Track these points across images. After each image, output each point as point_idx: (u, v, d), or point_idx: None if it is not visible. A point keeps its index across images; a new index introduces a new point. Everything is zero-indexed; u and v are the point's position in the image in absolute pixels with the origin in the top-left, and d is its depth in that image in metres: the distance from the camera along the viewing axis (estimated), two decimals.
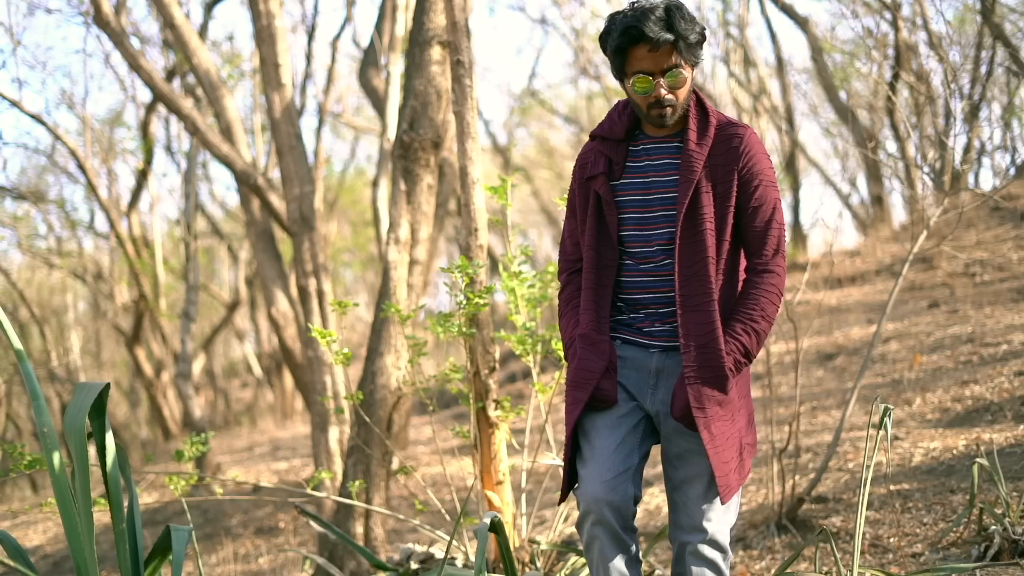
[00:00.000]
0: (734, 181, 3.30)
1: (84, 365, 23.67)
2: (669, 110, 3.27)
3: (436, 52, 6.86)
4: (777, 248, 3.37)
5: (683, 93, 3.27)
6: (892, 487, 6.48)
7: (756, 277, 3.36)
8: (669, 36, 3.15)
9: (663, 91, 3.22)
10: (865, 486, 3.54)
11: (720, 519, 3.34)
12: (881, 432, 3.59)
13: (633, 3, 3.25)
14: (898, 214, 20.69)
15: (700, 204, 3.28)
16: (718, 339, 3.26)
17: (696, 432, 3.28)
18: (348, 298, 31.78)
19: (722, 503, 3.30)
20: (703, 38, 3.26)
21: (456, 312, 5.14)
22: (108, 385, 3.33)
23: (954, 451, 6.85)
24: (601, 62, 26.20)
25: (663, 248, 3.36)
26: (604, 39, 3.29)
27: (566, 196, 4.40)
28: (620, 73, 3.29)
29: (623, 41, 3.18)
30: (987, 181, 19.04)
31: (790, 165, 22.23)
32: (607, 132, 3.46)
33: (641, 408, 3.41)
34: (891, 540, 5.62)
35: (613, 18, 3.26)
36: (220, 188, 23.35)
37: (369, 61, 11.27)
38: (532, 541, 5.61)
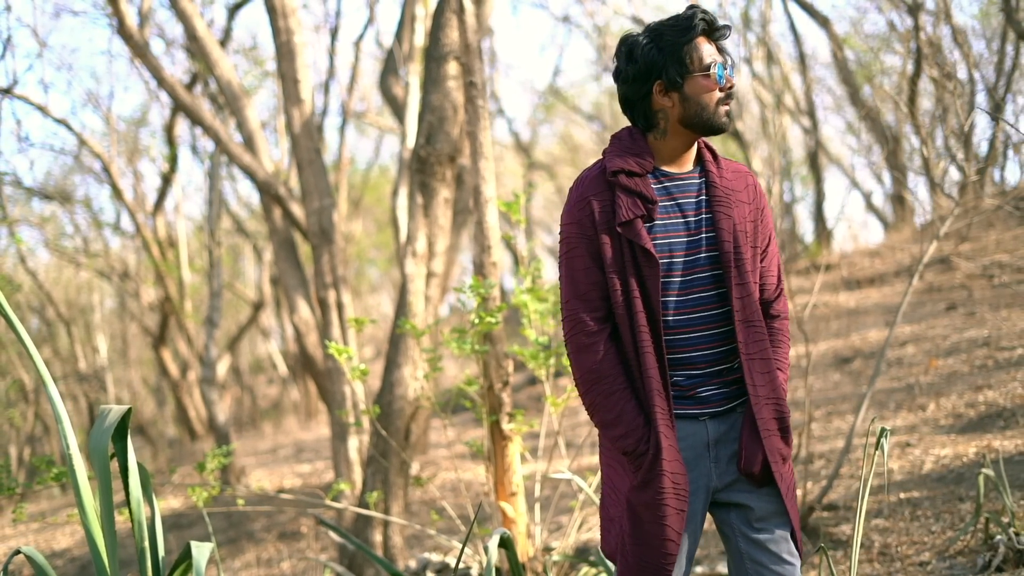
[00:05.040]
0: (759, 221, 3.15)
1: (111, 361, 23.89)
2: (731, 107, 3.09)
3: (452, 67, 6.97)
4: (783, 291, 3.28)
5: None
6: (902, 495, 6.56)
7: (777, 323, 3.22)
8: (729, 26, 3.08)
9: (733, 79, 3.05)
10: (863, 500, 3.61)
11: None
12: (878, 452, 3.65)
13: (631, 33, 3.13)
14: (921, 212, 20.64)
15: (740, 243, 3.07)
16: (780, 387, 3.09)
17: (769, 491, 3.07)
18: (373, 294, 31.86)
19: (801, 561, 3.10)
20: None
21: (469, 329, 5.26)
22: (130, 409, 3.46)
23: (964, 459, 6.92)
24: None
25: (704, 295, 3.08)
26: (649, 49, 3.04)
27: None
28: (686, 72, 3.02)
29: (699, 24, 3.01)
30: (1013, 174, 18.91)
31: (813, 163, 22.24)
32: (634, 166, 3.06)
33: (698, 492, 3.08)
34: (899, 548, 5.71)
35: (643, 34, 3.08)
36: (245, 187, 23.57)
37: (389, 69, 11.38)
38: (547, 549, 5.72)
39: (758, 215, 3.16)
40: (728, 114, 3.06)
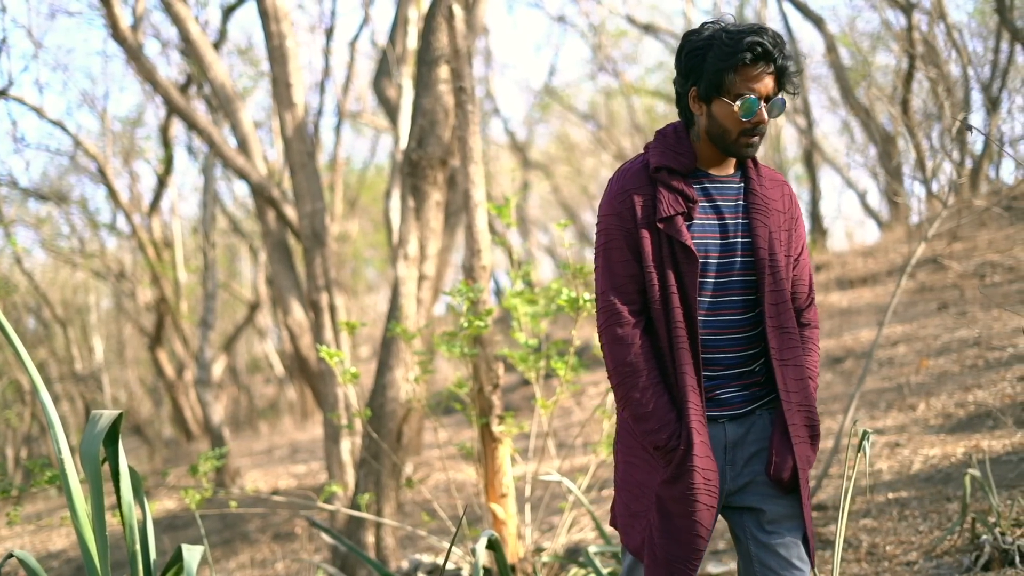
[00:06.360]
0: (793, 230, 3.14)
1: (107, 362, 23.92)
2: (757, 140, 3.02)
3: (443, 71, 7.00)
4: (813, 300, 3.27)
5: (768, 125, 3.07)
6: (891, 495, 6.61)
7: (808, 332, 3.21)
8: (787, 63, 2.96)
9: (765, 116, 2.98)
10: (845, 501, 3.66)
11: None
12: (860, 454, 3.69)
13: (714, 22, 3.02)
14: (915, 211, 20.67)
15: (776, 251, 3.07)
16: (811, 395, 3.10)
17: (789, 496, 3.08)
18: (370, 294, 31.91)
19: (811, 566, 3.09)
20: (800, 70, 3.08)
21: (459, 332, 5.31)
22: (121, 415, 3.50)
23: (952, 459, 6.97)
24: (621, 58, 26.29)
25: (737, 299, 3.08)
26: (697, 55, 3.00)
27: (565, 224, 4.40)
28: (716, 92, 2.98)
29: (742, 57, 2.91)
30: (1008, 172, 18.91)
31: (808, 162, 22.27)
32: (676, 164, 3.05)
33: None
34: (887, 548, 5.76)
35: (704, 35, 3.00)
36: (241, 187, 23.52)
37: (383, 71, 11.41)
38: (538, 550, 5.77)
39: (792, 224, 3.15)
40: (750, 145, 3.01)
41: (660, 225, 2.99)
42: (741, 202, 3.09)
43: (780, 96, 3.00)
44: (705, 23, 3.03)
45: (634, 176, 3.06)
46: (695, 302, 2.98)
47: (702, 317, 3.03)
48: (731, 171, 3.12)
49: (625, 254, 3.03)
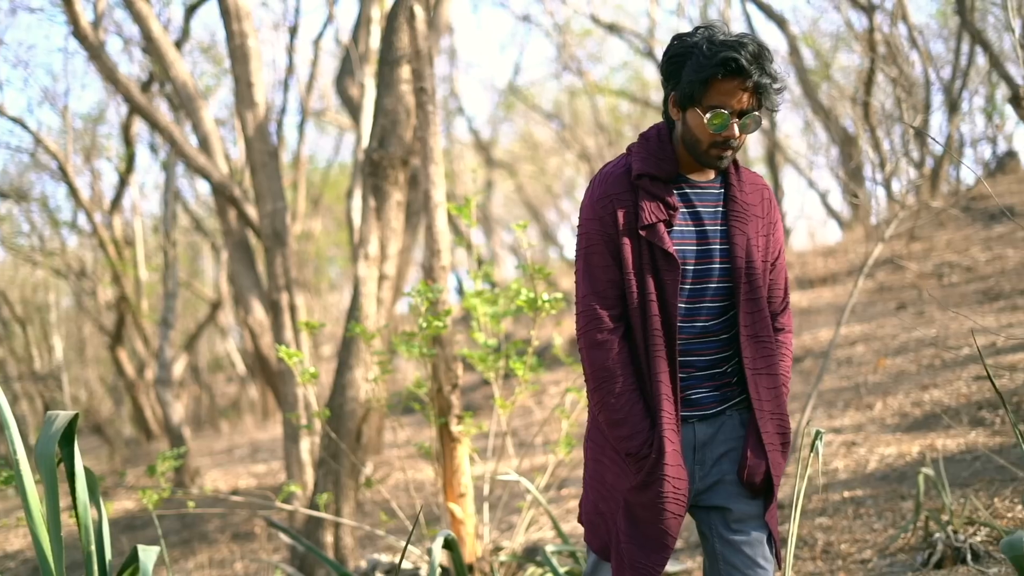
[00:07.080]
0: (771, 235, 3.14)
1: (68, 361, 23.74)
2: (730, 153, 2.99)
3: (405, 71, 7.01)
4: (788, 304, 3.28)
5: (746, 139, 3.03)
6: (846, 493, 6.68)
7: (782, 336, 3.22)
8: (765, 80, 2.91)
9: (736, 131, 2.94)
10: (798, 500, 3.69)
11: None
12: (813, 454, 3.73)
13: (706, 28, 2.96)
14: (874, 212, 20.80)
15: (753, 258, 3.07)
16: (784, 403, 3.13)
17: (758, 498, 3.11)
18: (333, 292, 31.83)
19: (779, 567, 3.14)
20: (784, 88, 3.01)
21: (418, 332, 5.32)
22: (77, 415, 3.49)
23: (908, 457, 7.05)
24: (586, 57, 26.34)
25: (713, 306, 3.08)
26: (677, 62, 2.98)
27: (522, 225, 4.42)
28: (689, 102, 2.95)
29: (715, 71, 2.87)
30: (968, 173, 19.07)
31: (770, 161, 22.39)
32: (658, 170, 3.04)
33: None
34: (842, 546, 5.82)
35: (689, 42, 2.96)
36: (204, 186, 23.35)
37: (346, 70, 11.40)
38: (497, 549, 5.79)
39: (770, 228, 3.15)
40: (721, 158, 2.99)
41: (642, 232, 2.98)
42: (721, 208, 3.09)
43: (757, 112, 2.95)
44: (698, 27, 3.00)
45: (616, 181, 3.05)
46: (675, 309, 2.98)
47: (677, 322, 3.01)
48: (712, 176, 3.11)
49: (606, 259, 3.02)
